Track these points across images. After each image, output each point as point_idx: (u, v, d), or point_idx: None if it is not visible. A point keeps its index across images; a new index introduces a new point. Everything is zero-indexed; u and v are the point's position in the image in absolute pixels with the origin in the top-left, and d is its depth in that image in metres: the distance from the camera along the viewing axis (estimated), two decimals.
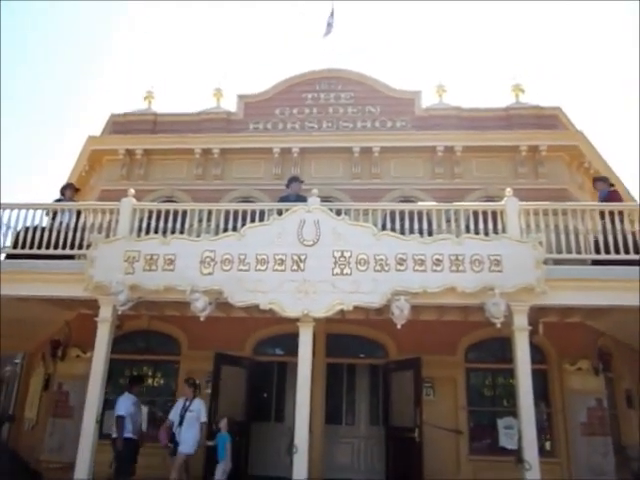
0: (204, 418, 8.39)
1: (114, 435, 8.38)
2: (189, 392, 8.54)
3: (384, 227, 8.11)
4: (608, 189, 9.42)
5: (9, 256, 8.76)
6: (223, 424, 8.57)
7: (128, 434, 8.32)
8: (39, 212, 8.89)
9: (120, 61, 62.85)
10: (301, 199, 8.85)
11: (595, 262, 8.08)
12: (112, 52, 61.60)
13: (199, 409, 8.40)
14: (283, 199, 9.21)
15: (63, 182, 10.58)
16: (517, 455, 7.20)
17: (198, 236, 8.18)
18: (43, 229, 8.66)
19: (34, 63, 56.56)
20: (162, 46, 61.01)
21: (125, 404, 8.49)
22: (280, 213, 8.14)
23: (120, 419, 8.31)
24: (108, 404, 8.30)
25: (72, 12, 54.49)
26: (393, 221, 8.19)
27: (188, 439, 8.14)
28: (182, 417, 8.27)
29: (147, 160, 12.83)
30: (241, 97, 13.45)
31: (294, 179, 9.86)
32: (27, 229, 8.64)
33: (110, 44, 61.49)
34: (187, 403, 8.42)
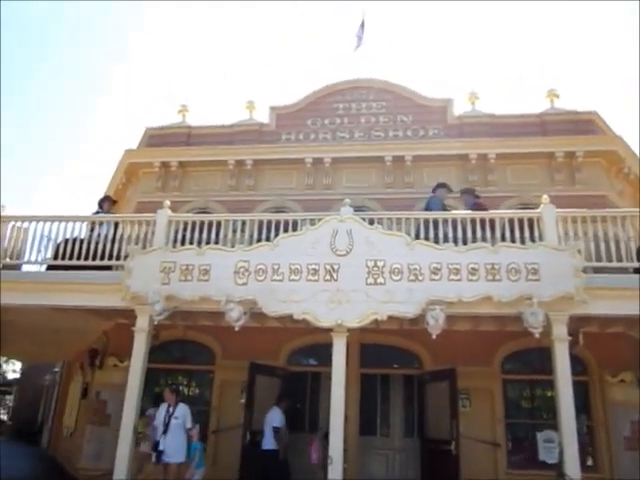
0: (189, 424, 8.35)
1: (268, 447, 8.92)
2: (171, 398, 8.46)
3: (417, 236, 8.04)
4: (474, 200, 9.64)
5: (49, 267, 9.00)
6: (195, 432, 8.48)
7: (273, 446, 8.90)
8: (78, 224, 9.12)
9: (150, 76, 64.19)
10: (442, 207, 9.17)
11: (637, 270, 7.85)
12: (141, 66, 62.99)
13: (184, 415, 8.35)
14: (429, 203, 9.36)
15: (101, 195, 10.84)
16: (558, 470, 7.01)
17: (232, 246, 8.27)
18: (82, 241, 8.87)
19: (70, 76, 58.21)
20: (193, 59, 62.14)
21: (279, 417, 9.03)
22: (313, 223, 8.15)
23: (277, 430, 8.88)
24: (144, 413, 8.39)
25: (98, 21, 56.04)
26: (427, 230, 8.11)
27: (177, 447, 8.10)
28: (167, 424, 8.19)
29: (182, 172, 13.05)
30: (273, 108, 13.58)
31: (442, 185, 9.92)
32: (67, 241, 8.87)
33: (140, 58, 62.89)
34: (170, 409, 8.32)
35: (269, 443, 8.98)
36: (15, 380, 32.87)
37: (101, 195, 11.72)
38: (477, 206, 9.36)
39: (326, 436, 8.67)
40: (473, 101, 13.03)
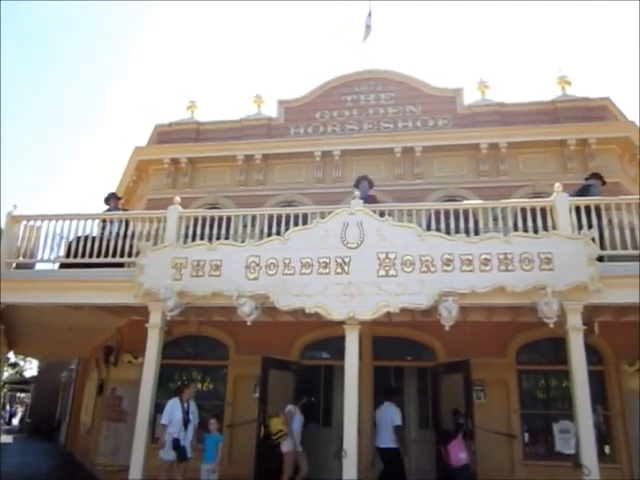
0: (197, 419, 8.34)
1: (388, 445, 8.70)
2: (190, 394, 8.32)
3: (429, 227, 7.99)
4: (367, 192, 9.54)
5: (62, 265, 9.05)
6: (212, 424, 8.44)
7: (393, 444, 8.72)
8: (90, 222, 9.16)
9: (158, 73, 64.31)
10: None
11: None
12: (148, 63, 63.12)
13: (196, 411, 8.33)
14: (592, 189, 8.93)
15: (105, 193, 10.88)
16: (575, 460, 6.95)
17: (243, 241, 8.26)
18: (94, 238, 8.91)
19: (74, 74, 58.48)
20: (200, 54, 62.18)
21: (399, 414, 8.85)
22: (323, 216, 8.12)
23: (398, 429, 8.71)
24: (159, 408, 8.40)
25: (106, 18, 56.17)
26: (438, 221, 8.05)
27: (191, 444, 8.02)
28: (186, 420, 8.03)
29: (191, 168, 13.07)
30: (281, 102, 13.54)
31: (596, 175, 9.51)
32: (79, 239, 8.91)
33: (145, 55, 63.00)
34: (186, 405, 8.17)
35: (389, 441, 8.71)
36: (32, 378, 33.30)
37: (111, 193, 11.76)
38: (369, 198, 9.26)
39: (466, 434, 8.52)
40: (483, 90, 12.89)
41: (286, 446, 8.70)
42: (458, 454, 8.24)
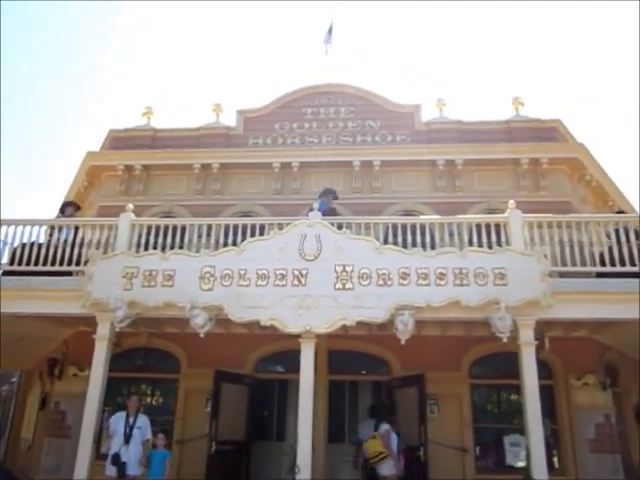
0: (150, 435, 7.98)
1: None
2: (134, 407, 8.02)
3: (386, 241, 8.05)
4: (329, 205, 9.53)
5: (6, 273, 8.64)
6: (160, 439, 8.14)
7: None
8: (36, 228, 8.78)
9: (117, 76, 63.19)
10: None
11: (599, 275, 7.98)
12: (109, 66, 61.93)
13: (145, 425, 7.96)
14: None
15: (61, 199, 10.46)
16: (525, 473, 7.05)
17: (197, 251, 8.09)
18: (40, 245, 8.55)
19: (30, 75, 56.88)
20: (160, 60, 61.51)
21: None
22: (281, 227, 8.04)
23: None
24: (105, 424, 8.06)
25: (67, 23, 54.97)
26: (395, 235, 8.11)
27: (138, 459, 7.68)
28: (128, 435, 7.69)
29: (146, 175, 12.76)
30: (240, 112, 13.43)
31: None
32: (24, 245, 8.54)
33: (107, 58, 61.85)
34: (131, 419, 7.85)
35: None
36: None
37: (63, 200, 11.34)
38: (328, 211, 9.18)
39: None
40: (441, 107, 13.11)
41: (388, 469, 8.25)
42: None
